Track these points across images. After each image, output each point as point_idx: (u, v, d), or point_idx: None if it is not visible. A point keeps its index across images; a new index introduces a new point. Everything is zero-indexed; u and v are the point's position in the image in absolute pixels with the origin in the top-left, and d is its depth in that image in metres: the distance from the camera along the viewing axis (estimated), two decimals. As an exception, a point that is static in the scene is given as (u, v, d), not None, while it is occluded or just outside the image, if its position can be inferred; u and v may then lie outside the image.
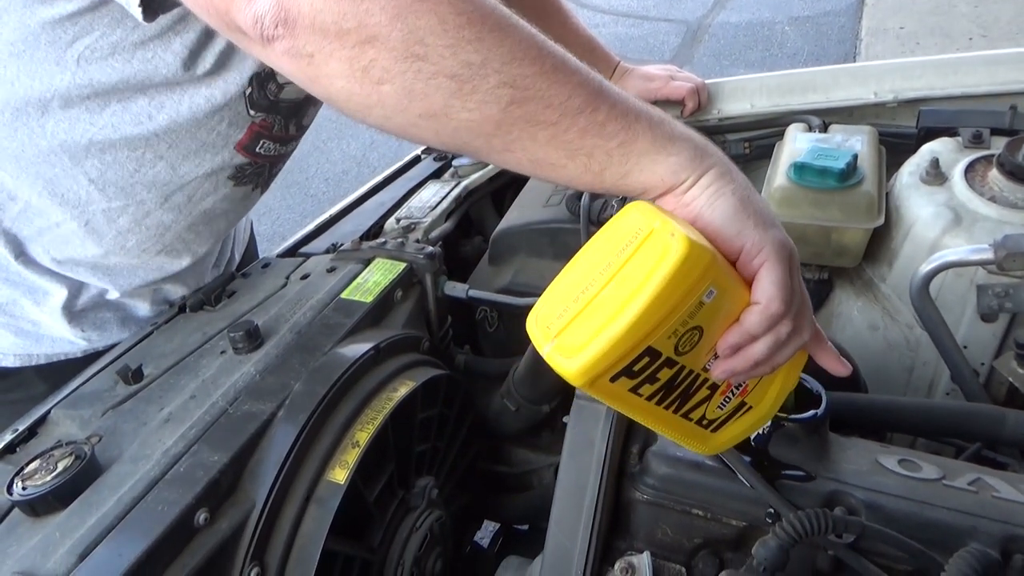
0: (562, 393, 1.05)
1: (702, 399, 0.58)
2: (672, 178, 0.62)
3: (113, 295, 0.95)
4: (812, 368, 0.64)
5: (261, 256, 1.19)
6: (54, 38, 0.74)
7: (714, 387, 0.58)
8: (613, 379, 0.53)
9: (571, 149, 0.61)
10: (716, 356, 0.57)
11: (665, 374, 0.55)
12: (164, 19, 0.74)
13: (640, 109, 0.63)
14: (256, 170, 0.95)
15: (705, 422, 0.59)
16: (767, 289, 0.57)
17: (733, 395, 0.60)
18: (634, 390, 0.54)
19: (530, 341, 0.96)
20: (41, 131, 0.79)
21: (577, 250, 1.15)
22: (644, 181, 0.62)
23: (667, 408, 0.57)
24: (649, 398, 0.55)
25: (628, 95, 0.63)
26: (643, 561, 0.62)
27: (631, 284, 0.52)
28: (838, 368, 0.63)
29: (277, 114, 0.90)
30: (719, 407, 0.59)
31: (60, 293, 0.92)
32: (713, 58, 5.03)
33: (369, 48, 0.56)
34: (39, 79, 0.76)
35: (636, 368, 0.53)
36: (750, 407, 0.62)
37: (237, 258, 1.18)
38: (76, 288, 0.92)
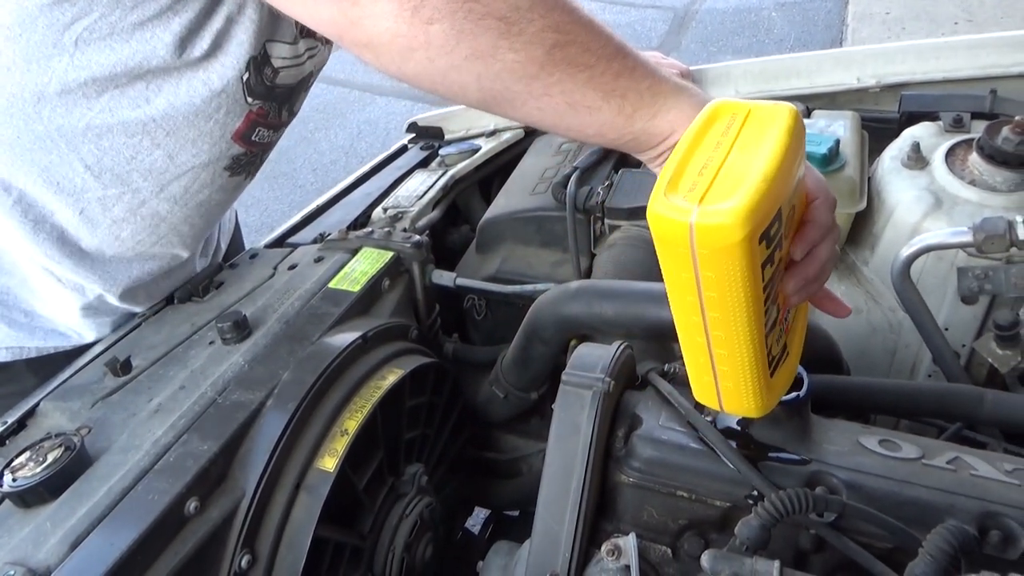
0: (550, 380, 1.06)
1: (774, 319, 0.58)
2: (696, 114, 0.64)
3: (110, 298, 0.95)
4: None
5: (247, 246, 1.19)
6: (52, 20, 0.73)
7: (777, 312, 0.59)
8: (761, 239, 0.51)
9: (606, 90, 0.64)
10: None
11: (777, 256, 0.55)
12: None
13: (655, 62, 0.67)
14: (250, 159, 0.95)
15: (770, 356, 0.59)
16: (818, 185, 0.61)
17: (783, 330, 0.61)
18: (763, 266, 0.53)
19: (518, 328, 0.98)
20: (37, 116, 0.79)
21: (563, 238, 1.16)
22: (672, 120, 0.66)
23: (765, 312, 0.56)
24: (764, 288, 0.54)
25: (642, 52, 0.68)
26: (629, 543, 0.63)
27: (755, 145, 0.52)
28: (841, 310, 0.67)
29: (273, 100, 0.90)
30: (777, 339, 0.60)
31: (53, 285, 0.91)
32: (700, 44, 5.03)
33: None
34: (36, 63, 0.75)
35: (771, 232, 0.52)
36: (788, 353, 0.63)
37: (223, 247, 1.19)
38: (70, 281, 0.92)
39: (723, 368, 0.59)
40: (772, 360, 0.60)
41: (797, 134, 0.54)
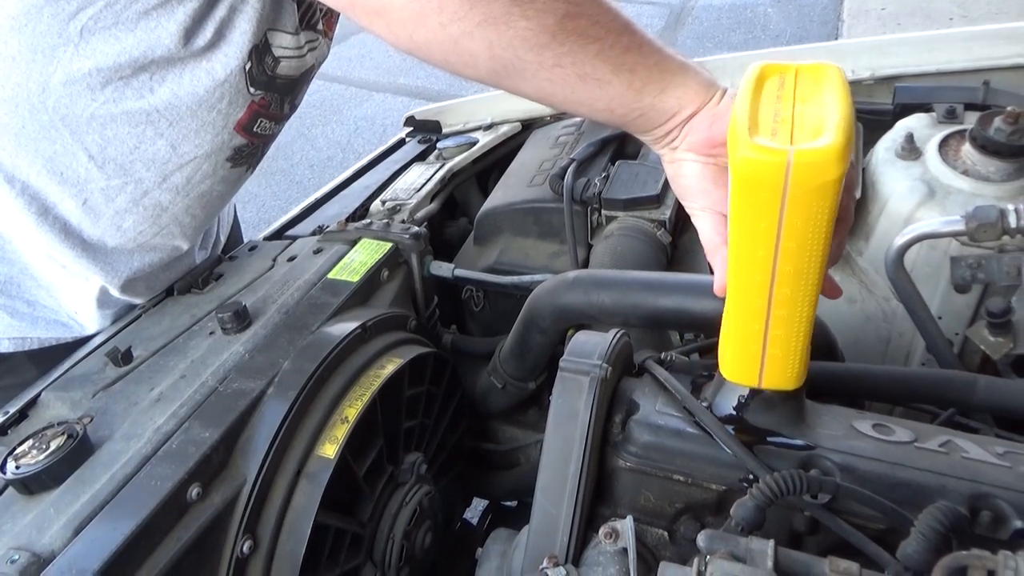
0: (547, 370, 1.06)
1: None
2: (704, 92, 0.67)
3: (111, 290, 0.95)
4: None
5: (246, 239, 1.19)
6: (57, 10, 0.73)
7: None
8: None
9: (616, 63, 0.64)
10: None
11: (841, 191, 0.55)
12: None
13: (661, 41, 0.68)
14: (251, 150, 0.96)
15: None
16: None
17: None
18: (836, 204, 0.53)
19: (516, 319, 0.99)
20: (42, 106, 0.79)
21: (561, 229, 1.17)
22: (680, 96, 0.67)
23: (825, 254, 0.56)
24: (831, 224, 0.54)
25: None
26: (626, 526, 0.63)
27: (817, 96, 0.54)
28: (835, 291, 0.69)
29: (274, 91, 0.90)
30: None
31: (56, 274, 0.92)
32: (696, 40, 5.04)
33: None
34: (41, 53, 0.76)
35: (848, 165, 0.52)
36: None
37: (223, 239, 1.19)
38: (72, 272, 0.92)
39: (777, 332, 0.59)
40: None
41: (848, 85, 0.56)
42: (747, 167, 0.51)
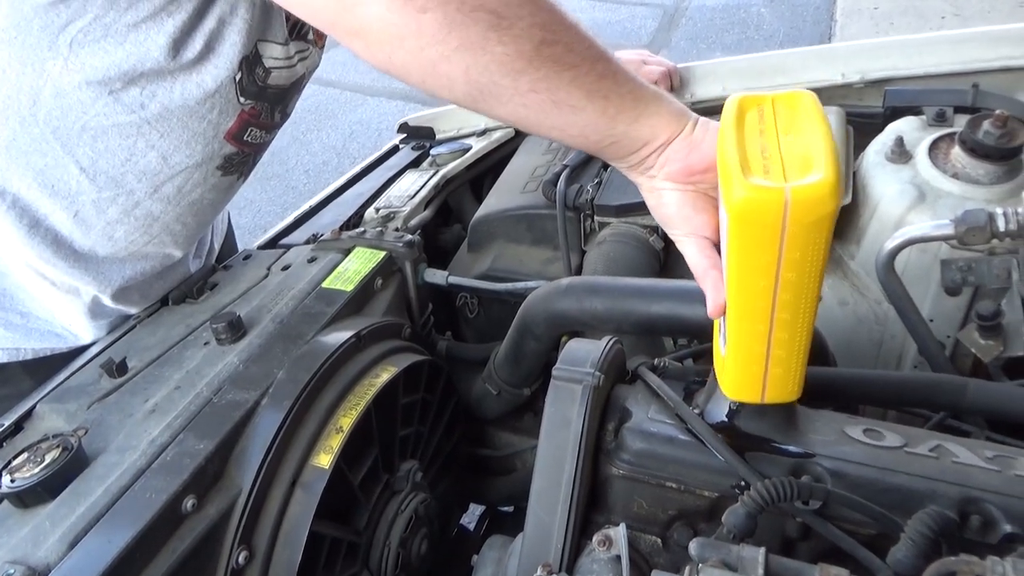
0: (542, 376, 1.07)
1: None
2: (677, 122, 0.68)
3: (104, 299, 0.95)
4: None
5: (240, 248, 1.20)
6: (47, 23, 0.74)
7: None
8: None
9: (590, 90, 0.65)
10: None
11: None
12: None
13: (635, 70, 0.69)
14: (242, 159, 0.96)
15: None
16: None
17: None
18: (831, 235, 0.54)
19: (510, 326, 0.99)
20: (33, 119, 0.79)
21: (554, 235, 1.17)
22: (653, 124, 0.68)
23: (820, 279, 0.57)
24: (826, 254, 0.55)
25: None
26: (619, 533, 0.64)
27: (799, 127, 0.55)
28: None
29: (265, 101, 0.91)
30: None
31: (48, 287, 0.92)
32: (690, 42, 5.05)
33: None
34: (31, 65, 0.76)
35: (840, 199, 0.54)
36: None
37: (217, 247, 1.19)
38: (64, 284, 0.93)
39: (779, 353, 0.60)
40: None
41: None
42: (745, 207, 0.52)
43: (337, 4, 0.63)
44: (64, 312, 0.95)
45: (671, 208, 0.71)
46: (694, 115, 0.70)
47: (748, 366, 0.62)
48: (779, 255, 0.53)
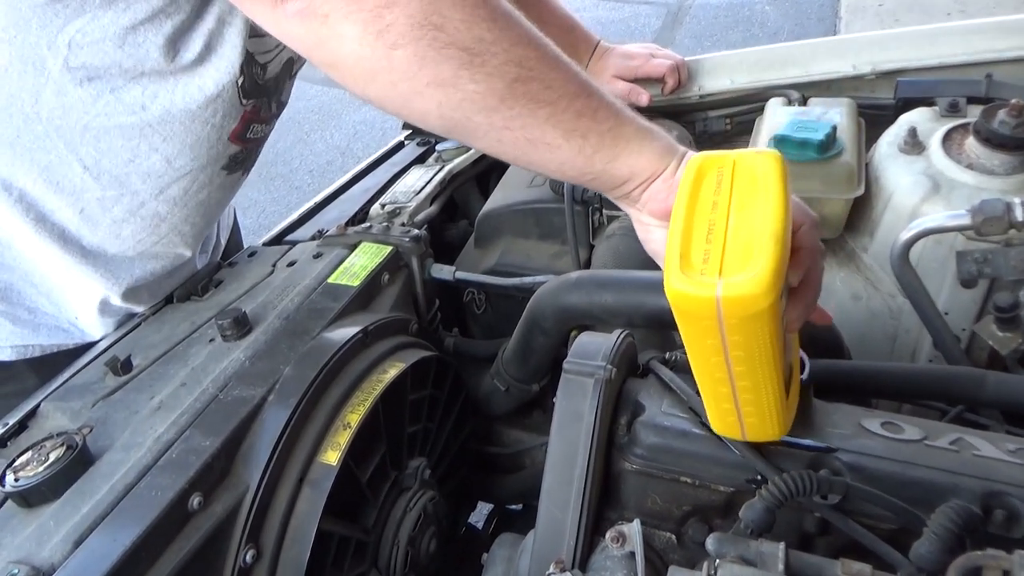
0: (551, 372, 1.06)
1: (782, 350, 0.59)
2: (658, 161, 0.67)
3: (113, 299, 0.94)
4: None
5: (245, 245, 1.19)
6: (45, 22, 0.73)
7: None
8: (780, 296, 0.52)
9: (567, 129, 0.64)
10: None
11: (780, 304, 0.55)
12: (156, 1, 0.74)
13: (621, 103, 0.67)
14: (246, 155, 0.96)
15: (784, 381, 0.60)
16: (798, 210, 0.61)
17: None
18: (776, 319, 0.53)
19: (518, 321, 0.98)
20: (36, 116, 0.79)
21: (562, 229, 1.16)
22: (632, 164, 0.67)
23: (777, 352, 0.56)
24: (775, 334, 0.55)
25: (608, 92, 0.67)
26: (633, 529, 0.63)
27: (755, 200, 0.53)
28: (824, 318, 0.69)
29: (264, 96, 0.90)
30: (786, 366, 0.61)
31: (55, 282, 0.91)
32: (694, 39, 5.03)
33: (387, 12, 0.58)
34: (32, 64, 0.76)
35: (781, 287, 0.52)
36: (792, 368, 0.64)
37: (223, 243, 1.19)
38: (71, 280, 0.92)
39: (748, 408, 0.60)
40: (785, 383, 0.61)
41: (787, 180, 0.54)
42: (678, 300, 0.52)
43: (312, 37, 0.63)
44: (71, 306, 0.94)
45: (658, 245, 0.72)
46: (681, 150, 0.68)
47: (722, 414, 0.63)
48: (722, 340, 0.53)
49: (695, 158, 0.58)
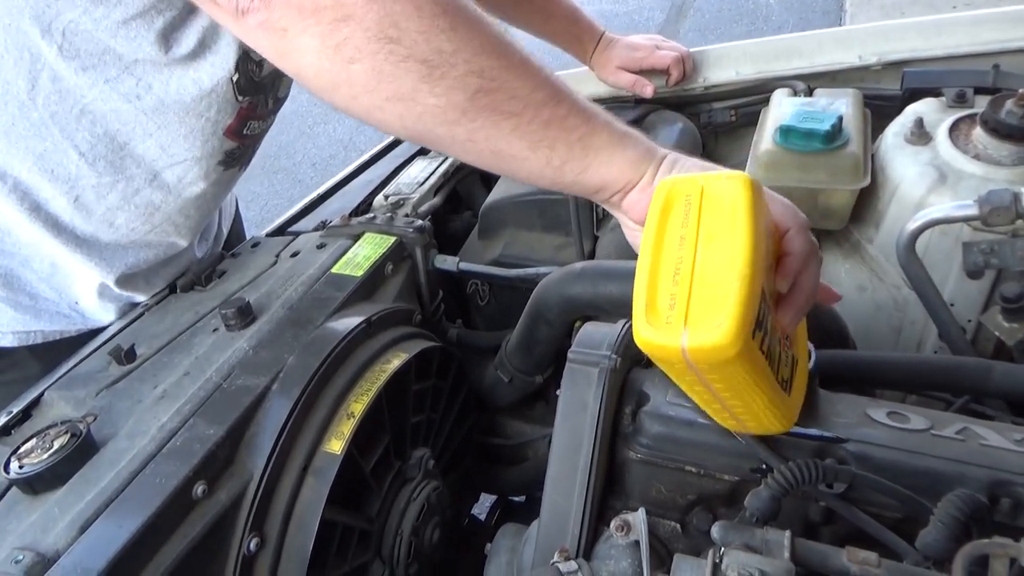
0: (554, 363, 1.05)
1: (778, 354, 0.58)
2: (632, 171, 0.65)
3: (109, 284, 0.94)
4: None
5: (248, 236, 1.18)
6: (38, 12, 0.74)
7: (780, 342, 0.59)
8: (754, 334, 0.50)
9: (534, 140, 0.62)
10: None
11: (768, 321, 0.55)
12: None
13: (596, 108, 0.65)
14: (242, 151, 0.96)
15: (783, 382, 0.59)
16: (786, 214, 0.60)
17: (787, 349, 0.61)
18: (760, 346, 0.52)
19: (521, 313, 0.98)
20: (32, 103, 0.79)
21: (566, 221, 1.16)
22: (603, 175, 0.65)
23: (771, 366, 0.56)
24: (767, 357, 0.54)
25: (583, 96, 0.65)
26: (638, 518, 0.62)
27: (722, 234, 0.51)
28: (831, 296, 0.68)
29: (260, 93, 0.90)
30: (785, 363, 0.60)
31: (53, 268, 0.91)
32: (699, 33, 5.02)
33: (343, 26, 0.57)
34: (27, 51, 0.76)
35: (759, 317, 0.51)
36: (797, 360, 0.64)
37: (225, 231, 1.19)
38: (68, 266, 0.92)
39: (744, 416, 0.60)
40: (785, 383, 0.60)
41: (758, 204, 0.53)
42: (646, 347, 0.51)
43: (274, 49, 0.62)
44: (71, 291, 0.94)
45: None
46: (660, 155, 0.66)
47: (723, 420, 0.63)
48: (700, 378, 0.53)
49: (662, 184, 0.56)
